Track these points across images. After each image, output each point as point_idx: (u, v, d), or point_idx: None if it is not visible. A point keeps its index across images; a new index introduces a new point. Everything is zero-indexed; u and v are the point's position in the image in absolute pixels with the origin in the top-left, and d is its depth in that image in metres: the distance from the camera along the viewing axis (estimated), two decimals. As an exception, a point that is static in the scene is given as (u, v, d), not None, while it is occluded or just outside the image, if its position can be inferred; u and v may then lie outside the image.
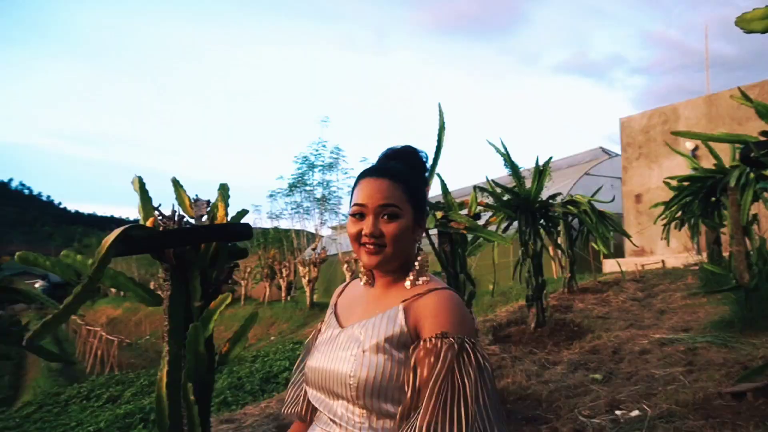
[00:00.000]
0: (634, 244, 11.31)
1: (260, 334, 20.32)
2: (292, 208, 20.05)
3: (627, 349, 5.01)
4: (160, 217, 2.12)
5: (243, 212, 2.36)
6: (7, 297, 2.57)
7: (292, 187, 19.23)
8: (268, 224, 22.30)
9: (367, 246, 1.20)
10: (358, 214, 1.22)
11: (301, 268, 19.45)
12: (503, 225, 6.08)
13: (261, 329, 20.86)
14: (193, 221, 2.19)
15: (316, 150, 18.29)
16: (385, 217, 1.21)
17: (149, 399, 8.29)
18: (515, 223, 6.18)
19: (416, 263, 1.25)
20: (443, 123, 3.73)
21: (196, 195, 2.35)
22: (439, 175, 3.88)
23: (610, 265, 12.53)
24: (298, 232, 20.46)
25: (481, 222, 4.05)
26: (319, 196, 18.99)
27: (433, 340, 1.10)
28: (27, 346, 1.77)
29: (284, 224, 21.10)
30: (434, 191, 3.73)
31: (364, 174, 1.26)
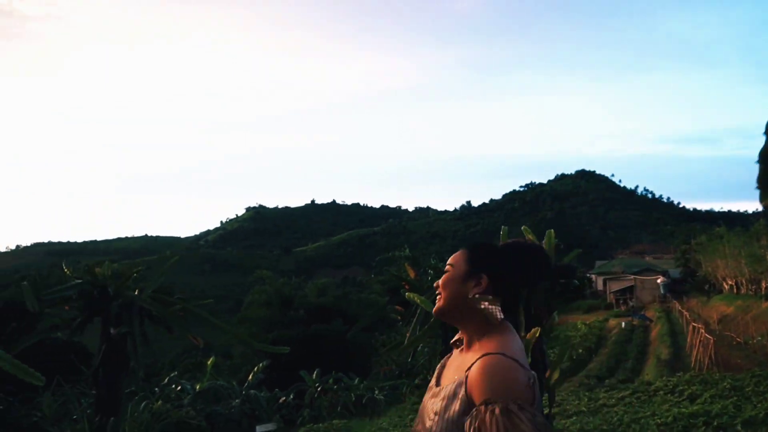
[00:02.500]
0: None
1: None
2: None
3: None
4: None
5: (575, 252, 2.91)
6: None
7: None
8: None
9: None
10: None
11: None
12: None
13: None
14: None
15: None
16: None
17: (721, 403, 8.15)
18: None
19: (476, 317, 1.29)
20: None
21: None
22: None
23: None
24: None
25: None
26: None
27: (480, 408, 1.13)
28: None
29: None
30: None
31: None
